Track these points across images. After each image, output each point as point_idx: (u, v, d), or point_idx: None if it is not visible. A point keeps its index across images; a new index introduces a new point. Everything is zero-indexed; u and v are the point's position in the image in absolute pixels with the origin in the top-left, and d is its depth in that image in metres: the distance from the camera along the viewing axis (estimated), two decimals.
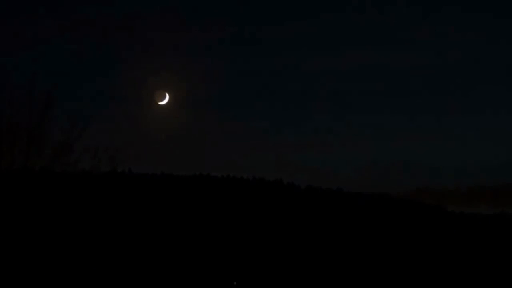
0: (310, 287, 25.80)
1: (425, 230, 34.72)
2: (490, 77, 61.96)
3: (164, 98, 30.92)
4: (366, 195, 41.39)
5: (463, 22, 58.02)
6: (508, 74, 59.32)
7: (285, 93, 59.39)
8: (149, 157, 35.03)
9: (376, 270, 27.88)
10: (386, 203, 40.39)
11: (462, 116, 62.20)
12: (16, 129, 23.64)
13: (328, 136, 58.40)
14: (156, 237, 26.55)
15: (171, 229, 27.73)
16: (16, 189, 22.84)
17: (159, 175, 34.28)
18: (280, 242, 29.12)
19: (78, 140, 23.75)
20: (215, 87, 55.30)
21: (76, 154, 23.94)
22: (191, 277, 24.81)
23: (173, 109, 32.18)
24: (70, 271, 22.13)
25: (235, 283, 24.82)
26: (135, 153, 30.84)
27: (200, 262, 25.87)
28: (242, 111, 61.76)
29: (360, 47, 58.82)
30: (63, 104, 25.09)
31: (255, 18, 59.09)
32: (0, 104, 23.34)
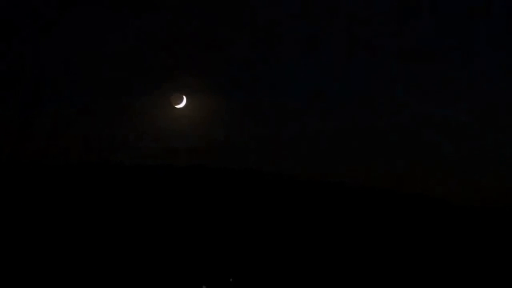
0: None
1: (432, 223, 34.63)
2: None
3: (181, 101, 29.73)
4: (367, 189, 40.88)
5: None
6: None
7: None
8: (147, 152, 34.45)
9: (380, 265, 27.61)
10: (391, 197, 40.00)
11: None
12: (5, 121, 23.48)
13: None
14: (150, 229, 26.22)
15: (165, 221, 27.40)
16: (5, 181, 22.70)
17: (153, 166, 33.73)
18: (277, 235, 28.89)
19: (68, 132, 23.51)
20: None
21: (66, 147, 23.72)
22: (188, 272, 24.45)
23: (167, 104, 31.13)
24: (61, 261, 21.91)
25: (231, 279, 24.44)
26: (132, 147, 30.54)
27: (195, 256, 25.54)
28: None
29: None
30: (54, 96, 24.75)
31: None
32: None
